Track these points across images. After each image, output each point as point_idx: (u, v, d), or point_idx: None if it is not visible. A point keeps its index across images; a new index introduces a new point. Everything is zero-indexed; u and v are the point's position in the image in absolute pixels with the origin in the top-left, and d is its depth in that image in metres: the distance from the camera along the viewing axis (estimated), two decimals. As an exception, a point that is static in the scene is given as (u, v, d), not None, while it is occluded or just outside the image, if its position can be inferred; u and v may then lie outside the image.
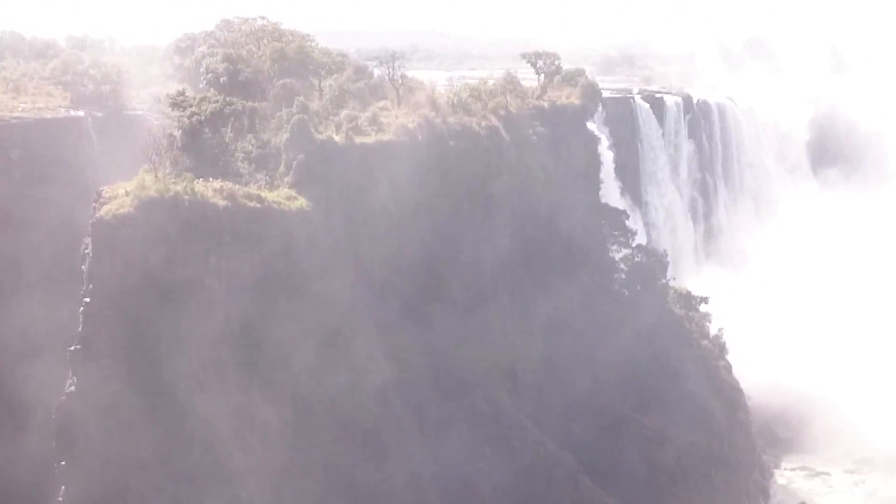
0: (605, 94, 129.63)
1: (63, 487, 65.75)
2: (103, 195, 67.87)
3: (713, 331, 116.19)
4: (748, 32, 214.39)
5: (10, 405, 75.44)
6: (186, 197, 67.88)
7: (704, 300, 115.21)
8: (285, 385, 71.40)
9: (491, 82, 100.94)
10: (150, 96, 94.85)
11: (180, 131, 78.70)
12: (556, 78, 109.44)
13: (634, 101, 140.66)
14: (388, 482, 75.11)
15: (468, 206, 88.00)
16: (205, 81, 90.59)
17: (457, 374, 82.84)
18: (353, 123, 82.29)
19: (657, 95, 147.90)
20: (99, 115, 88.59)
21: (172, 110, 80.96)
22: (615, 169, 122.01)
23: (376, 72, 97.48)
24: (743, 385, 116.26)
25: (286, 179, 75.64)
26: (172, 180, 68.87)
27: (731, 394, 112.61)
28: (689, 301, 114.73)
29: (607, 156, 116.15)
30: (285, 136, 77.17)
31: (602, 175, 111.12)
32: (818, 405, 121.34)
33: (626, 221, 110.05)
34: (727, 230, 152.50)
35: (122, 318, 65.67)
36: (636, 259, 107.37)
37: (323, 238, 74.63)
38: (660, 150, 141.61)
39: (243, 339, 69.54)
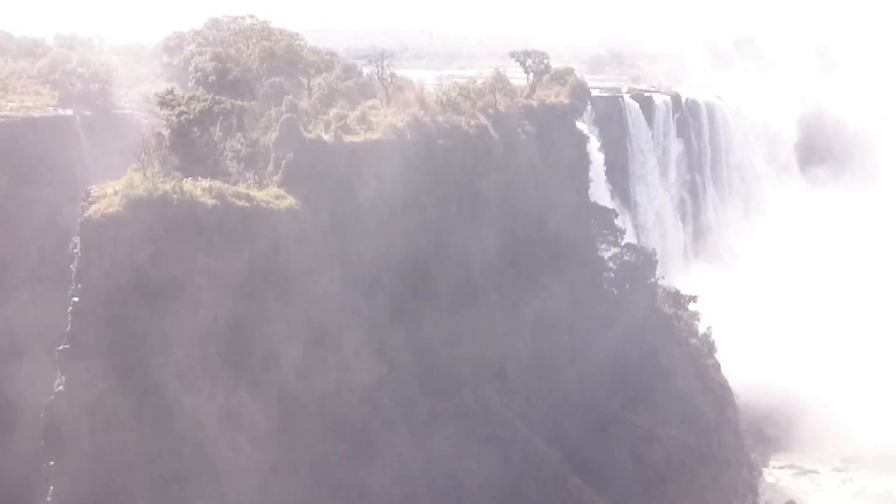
0: (594, 92, 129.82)
1: (52, 487, 65.67)
2: (92, 194, 67.73)
3: (702, 329, 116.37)
4: (737, 31, 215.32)
5: (-3, 404, 75.33)
6: (175, 196, 67.78)
7: (693, 299, 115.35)
8: (273, 384, 71.40)
9: (480, 81, 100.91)
10: (138, 95, 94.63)
11: (169, 130, 78.56)
12: (546, 77, 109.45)
13: (623, 100, 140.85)
14: (376, 480, 75.13)
15: (457, 205, 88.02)
16: (193, 80, 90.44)
17: (445, 373, 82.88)
18: (342, 122, 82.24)
19: (646, 94, 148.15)
20: (87, 113, 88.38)
21: (161, 109, 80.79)
22: (604, 168, 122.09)
23: (365, 70, 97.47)
24: (731, 383, 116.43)
25: (275, 178, 75.55)
26: (161, 179, 68.76)
27: (719, 392, 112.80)
28: (678, 300, 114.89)
29: (597, 155, 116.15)
30: (274, 134, 77.09)
31: (591, 174, 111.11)
32: (806, 404, 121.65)
33: (615, 220, 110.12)
34: (716, 229, 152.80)
35: (110, 317, 65.59)
36: (625, 258, 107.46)
37: (312, 237, 74.60)
38: (649, 149, 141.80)
39: (232, 337, 69.49)
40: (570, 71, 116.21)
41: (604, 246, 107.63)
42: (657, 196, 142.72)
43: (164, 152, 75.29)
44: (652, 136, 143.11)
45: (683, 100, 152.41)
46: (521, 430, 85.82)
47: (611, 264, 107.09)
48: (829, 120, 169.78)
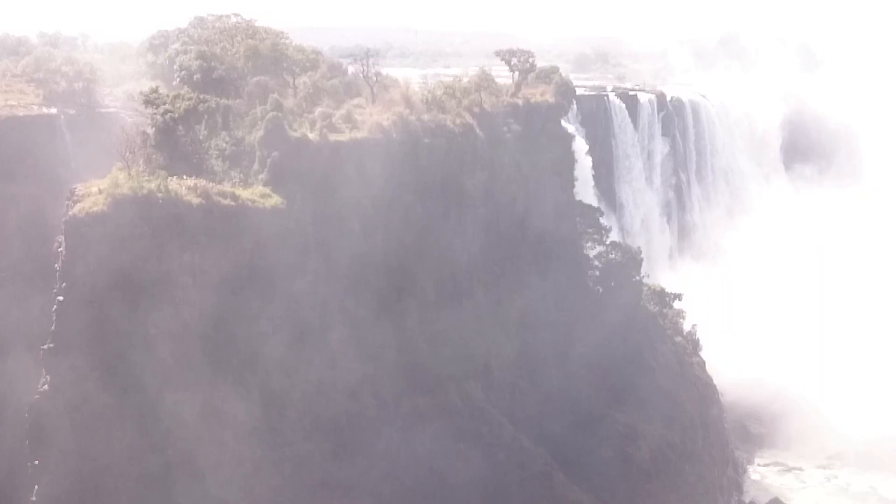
0: (580, 91, 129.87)
1: (36, 486, 65.68)
2: (76, 193, 67.78)
3: (687, 327, 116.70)
4: (721, 30, 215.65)
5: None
6: (160, 195, 67.84)
7: (678, 297, 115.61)
8: (257, 381, 71.52)
9: (465, 80, 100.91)
10: (123, 94, 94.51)
11: (154, 129, 78.45)
12: (531, 75, 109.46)
13: (608, 98, 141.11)
14: (361, 478, 75.25)
15: (442, 203, 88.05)
16: (178, 79, 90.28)
17: (430, 370, 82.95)
18: (328, 121, 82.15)
19: (631, 93, 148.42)
20: (72, 112, 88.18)
21: (146, 108, 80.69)
22: (591, 167, 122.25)
23: (351, 69, 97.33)
24: (716, 381, 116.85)
25: (260, 177, 75.56)
26: (146, 178, 68.80)
27: (704, 390, 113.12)
28: (663, 298, 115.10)
29: (583, 153, 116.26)
30: (259, 133, 77.06)
31: (577, 172, 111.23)
32: (791, 401, 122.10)
33: (601, 218, 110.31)
34: (701, 227, 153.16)
35: (95, 316, 65.64)
36: (610, 256, 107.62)
37: (297, 235, 74.63)
38: (634, 148, 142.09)
39: (216, 336, 69.55)
40: (555, 70, 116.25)
41: (589, 244, 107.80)
42: (642, 194, 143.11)
43: (148, 151, 75.21)
44: (637, 135, 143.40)
45: (668, 98, 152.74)
46: (506, 427, 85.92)
47: (596, 262, 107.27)
48: (813, 118, 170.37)
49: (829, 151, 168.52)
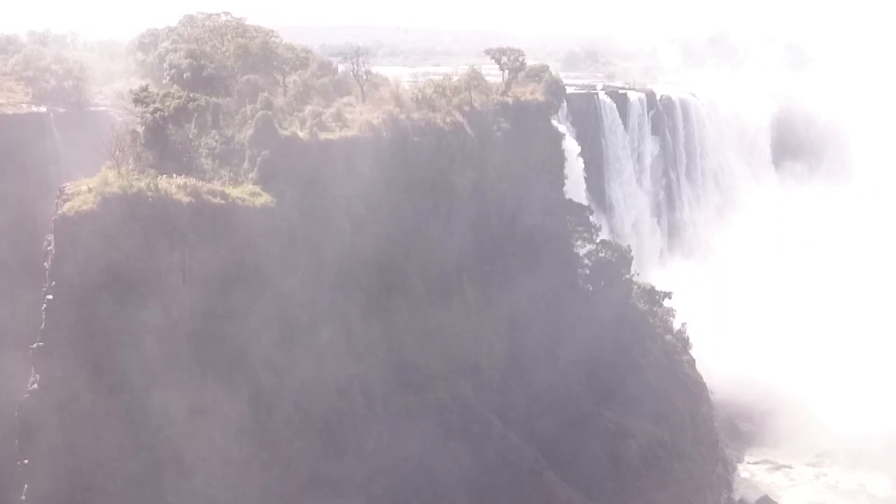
0: (569, 90, 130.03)
1: (26, 485, 65.58)
2: (66, 192, 67.67)
3: (676, 326, 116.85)
4: (711, 28, 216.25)
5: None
6: (150, 193, 67.78)
7: (668, 295, 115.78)
8: (247, 380, 71.51)
9: (455, 78, 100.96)
10: (112, 92, 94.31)
11: (143, 127, 78.36)
12: (521, 74, 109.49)
13: (598, 97, 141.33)
14: (350, 476, 75.32)
15: (432, 202, 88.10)
16: (168, 77, 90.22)
17: (420, 369, 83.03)
18: (318, 119, 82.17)
19: (621, 91, 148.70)
20: (61, 110, 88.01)
21: (135, 106, 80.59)
22: (582, 166, 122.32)
23: (340, 68, 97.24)
24: (706, 379, 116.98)
25: (250, 175, 75.53)
26: (136, 177, 68.75)
27: (694, 388, 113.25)
28: (653, 296, 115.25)
29: (573, 151, 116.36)
30: (249, 132, 77.02)
31: (569, 174, 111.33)
32: (780, 399, 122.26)
33: (590, 217, 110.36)
34: (691, 225, 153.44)
35: (84, 314, 65.55)
36: (600, 254, 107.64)
37: (286, 234, 74.63)
38: (623, 146, 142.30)
39: (206, 334, 69.50)
40: (545, 68, 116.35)
41: (579, 242, 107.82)
42: (632, 193, 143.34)
43: (138, 149, 75.07)
44: (627, 133, 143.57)
45: (658, 97, 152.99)
46: (496, 425, 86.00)
47: (586, 261, 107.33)
48: (802, 116, 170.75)
49: (818, 149, 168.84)
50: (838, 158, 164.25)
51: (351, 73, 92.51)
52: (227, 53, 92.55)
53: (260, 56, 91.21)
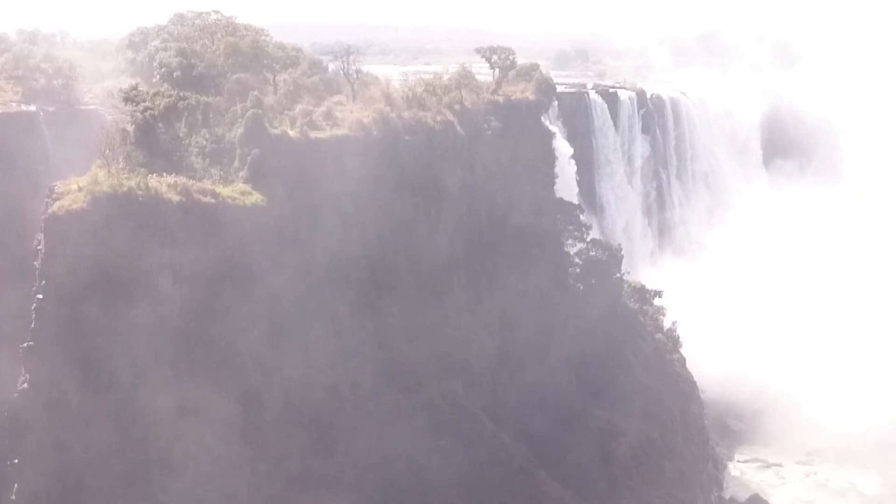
0: (560, 88, 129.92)
1: (16, 485, 65.45)
2: (56, 190, 67.56)
3: (667, 324, 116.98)
4: (700, 27, 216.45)
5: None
6: (140, 192, 67.69)
7: (658, 294, 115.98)
8: (237, 378, 71.46)
9: (446, 77, 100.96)
10: (102, 91, 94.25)
11: (133, 126, 78.33)
12: (511, 73, 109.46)
13: (589, 95, 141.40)
14: (340, 474, 75.33)
15: (423, 201, 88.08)
16: (158, 76, 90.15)
17: (411, 368, 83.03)
18: (308, 118, 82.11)
19: (611, 90, 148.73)
20: (51, 109, 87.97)
21: (125, 105, 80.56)
22: (574, 165, 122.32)
23: (331, 66, 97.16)
24: (697, 378, 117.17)
25: (240, 174, 75.48)
26: (126, 176, 68.65)
27: (684, 387, 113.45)
28: (644, 295, 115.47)
29: (565, 154, 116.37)
30: (240, 130, 76.93)
31: (557, 170, 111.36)
32: (771, 398, 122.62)
33: (581, 216, 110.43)
34: (681, 223, 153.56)
35: (74, 314, 65.45)
36: (591, 253, 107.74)
37: (276, 232, 74.59)
38: (614, 145, 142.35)
39: (196, 333, 69.46)
40: (535, 67, 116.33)
41: (569, 241, 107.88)
42: (622, 191, 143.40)
43: (128, 148, 75.07)
44: (617, 132, 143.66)
45: (648, 95, 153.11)
46: (486, 424, 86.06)
47: (576, 259, 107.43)
48: (792, 114, 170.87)
49: (808, 147, 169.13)
50: (828, 156, 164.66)
51: (341, 72, 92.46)
52: (218, 52, 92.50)
53: (250, 55, 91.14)
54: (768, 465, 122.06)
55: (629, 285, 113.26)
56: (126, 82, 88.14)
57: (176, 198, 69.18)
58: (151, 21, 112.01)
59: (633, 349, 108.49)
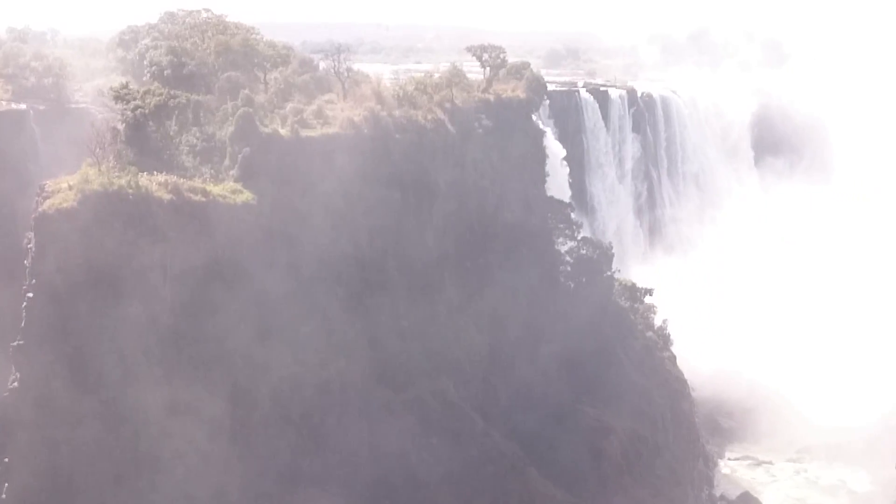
0: (551, 87, 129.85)
1: (6, 484, 65.37)
2: (46, 189, 67.51)
3: (658, 322, 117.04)
4: (690, 25, 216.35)
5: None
6: (130, 191, 67.66)
7: (649, 292, 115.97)
8: (228, 377, 71.42)
9: (436, 75, 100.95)
10: (93, 89, 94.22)
11: (124, 124, 78.24)
12: (502, 71, 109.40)
13: (579, 94, 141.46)
14: (331, 473, 75.27)
15: (414, 199, 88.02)
16: (148, 74, 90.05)
17: (402, 366, 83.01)
18: (299, 117, 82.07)
19: (602, 89, 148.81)
20: (41, 108, 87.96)
21: (116, 103, 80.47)
22: (566, 164, 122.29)
23: (322, 65, 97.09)
24: (687, 376, 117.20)
25: (231, 173, 75.47)
26: (116, 174, 68.63)
27: (675, 385, 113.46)
28: (634, 293, 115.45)
29: (556, 152, 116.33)
30: (230, 129, 76.90)
31: (550, 171, 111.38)
32: (761, 395, 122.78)
33: (572, 214, 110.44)
34: (672, 222, 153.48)
35: (65, 312, 65.44)
36: (581, 251, 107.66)
37: (267, 231, 74.59)
38: (605, 143, 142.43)
39: (185, 331, 69.45)
40: (526, 65, 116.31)
41: (560, 239, 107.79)
42: (613, 190, 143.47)
43: (119, 147, 74.97)
44: (608, 131, 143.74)
45: (639, 94, 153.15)
46: (477, 422, 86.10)
47: (567, 258, 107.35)
48: (782, 112, 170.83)
49: (799, 145, 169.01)
50: (819, 154, 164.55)
51: (332, 71, 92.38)
52: (208, 51, 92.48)
53: (241, 53, 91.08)
54: (759, 463, 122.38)
55: (620, 283, 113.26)
56: (116, 81, 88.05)
57: (166, 196, 69.17)
58: (142, 19, 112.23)
59: (623, 347, 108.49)
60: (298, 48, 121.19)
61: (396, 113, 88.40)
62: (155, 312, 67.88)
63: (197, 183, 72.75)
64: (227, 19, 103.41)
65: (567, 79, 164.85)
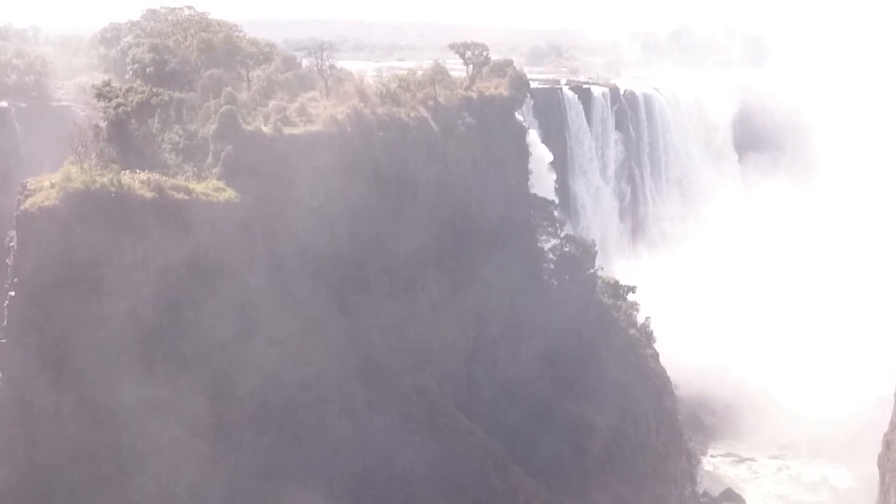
0: (534, 84, 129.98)
1: (-10, 482, 65.30)
2: (28, 187, 67.36)
3: (640, 320, 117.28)
4: (672, 23, 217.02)
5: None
6: (113, 189, 67.54)
7: (632, 289, 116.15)
8: (210, 374, 71.34)
9: (420, 73, 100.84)
10: (75, 87, 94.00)
11: (106, 122, 78.17)
12: (485, 69, 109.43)
13: (562, 91, 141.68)
14: (314, 470, 75.20)
15: (397, 197, 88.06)
16: (131, 72, 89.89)
17: (385, 364, 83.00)
18: (282, 114, 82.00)
19: (585, 86, 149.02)
20: (23, 105, 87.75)
21: (98, 101, 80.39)
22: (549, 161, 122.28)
23: (305, 62, 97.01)
24: (670, 373, 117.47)
25: (214, 171, 75.40)
26: (98, 172, 68.48)
27: (657, 382, 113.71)
28: (617, 290, 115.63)
29: (541, 153, 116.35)
30: (213, 127, 76.84)
31: (531, 165, 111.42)
32: (744, 392, 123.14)
33: (555, 211, 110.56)
34: (654, 219, 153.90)
35: (47, 311, 65.35)
36: (564, 249, 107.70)
37: (250, 229, 74.52)
38: (588, 141, 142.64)
39: (169, 330, 69.39)
40: (509, 63, 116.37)
41: (543, 237, 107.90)
42: (596, 187, 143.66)
43: (101, 145, 74.90)
44: (591, 128, 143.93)
45: (622, 91, 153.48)
46: (460, 419, 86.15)
47: (550, 255, 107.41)
48: (764, 109, 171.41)
49: (781, 141, 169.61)
50: (801, 150, 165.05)
51: (315, 68, 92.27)
52: (191, 48, 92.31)
53: (223, 51, 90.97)
54: (741, 460, 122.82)
55: (603, 281, 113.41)
56: (98, 78, 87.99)
57: (149, 194, 69.07)
58: (124, 17, 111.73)
59: (606, 344, 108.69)
60: (281, 46, 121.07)
61: (379, 110, 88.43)
62: (136, 310, 67.83)
63: (179, 181, 72.66)
64: (210, 16, 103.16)
65: (550, 76, 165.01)
